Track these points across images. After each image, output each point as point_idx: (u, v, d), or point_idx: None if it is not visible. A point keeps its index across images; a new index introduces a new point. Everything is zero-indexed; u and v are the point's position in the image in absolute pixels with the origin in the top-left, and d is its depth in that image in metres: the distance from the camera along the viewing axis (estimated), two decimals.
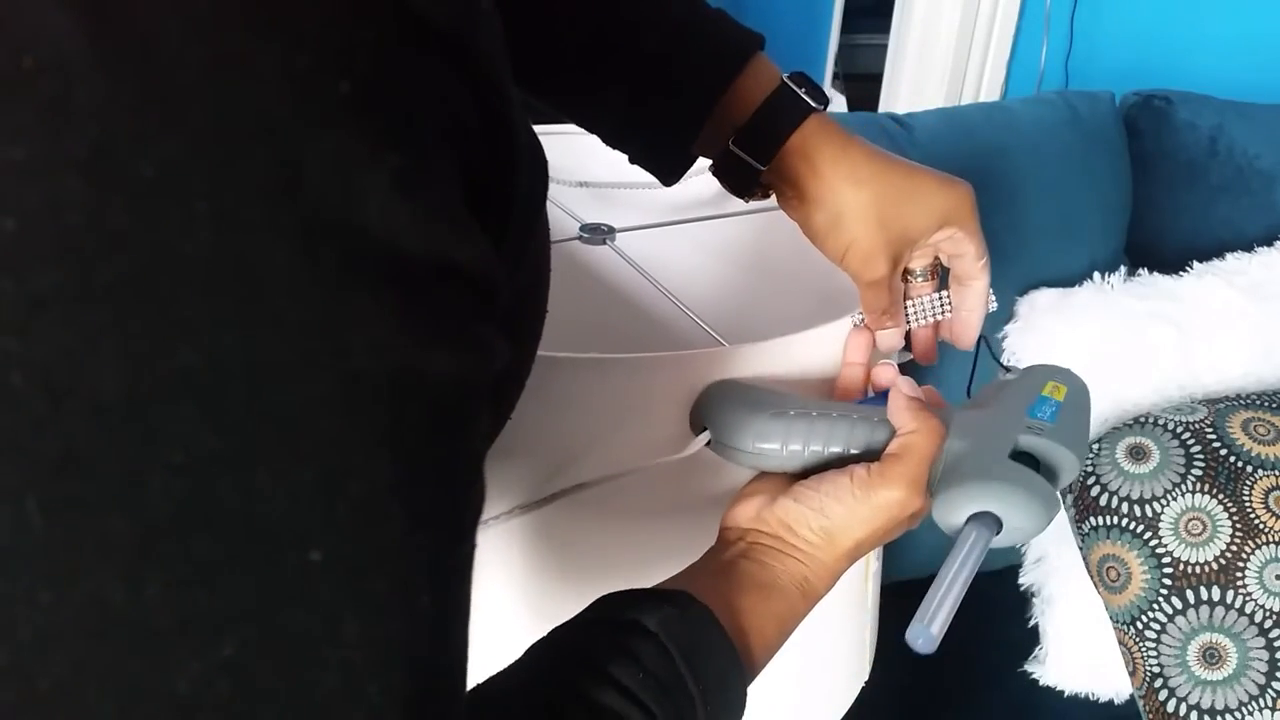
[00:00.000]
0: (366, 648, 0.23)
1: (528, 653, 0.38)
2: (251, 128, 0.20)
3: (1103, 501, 0.91)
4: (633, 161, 0.54)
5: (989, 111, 1.05)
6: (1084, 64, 1.68)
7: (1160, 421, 0.93)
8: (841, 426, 0.48)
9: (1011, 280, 1.02)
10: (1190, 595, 0.87)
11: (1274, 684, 0.84)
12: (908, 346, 0.59)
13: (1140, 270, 1.04)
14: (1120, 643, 0.92)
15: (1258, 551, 0.86)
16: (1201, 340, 0.98)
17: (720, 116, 0.50)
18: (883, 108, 1.89)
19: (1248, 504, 0.87)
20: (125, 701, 0.21)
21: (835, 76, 2.63)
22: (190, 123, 0.20)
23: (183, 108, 0.20)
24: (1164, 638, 0.88)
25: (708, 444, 0.50)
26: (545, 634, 0.39)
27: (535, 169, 0.32)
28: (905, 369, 0.54)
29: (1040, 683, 1.03)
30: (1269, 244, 1.06)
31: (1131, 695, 0.96)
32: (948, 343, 0.59)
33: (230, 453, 0.21)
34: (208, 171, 0.20)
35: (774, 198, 0.54)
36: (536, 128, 0.33)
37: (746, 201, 0.55)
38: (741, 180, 0.52)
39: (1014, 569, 1.07)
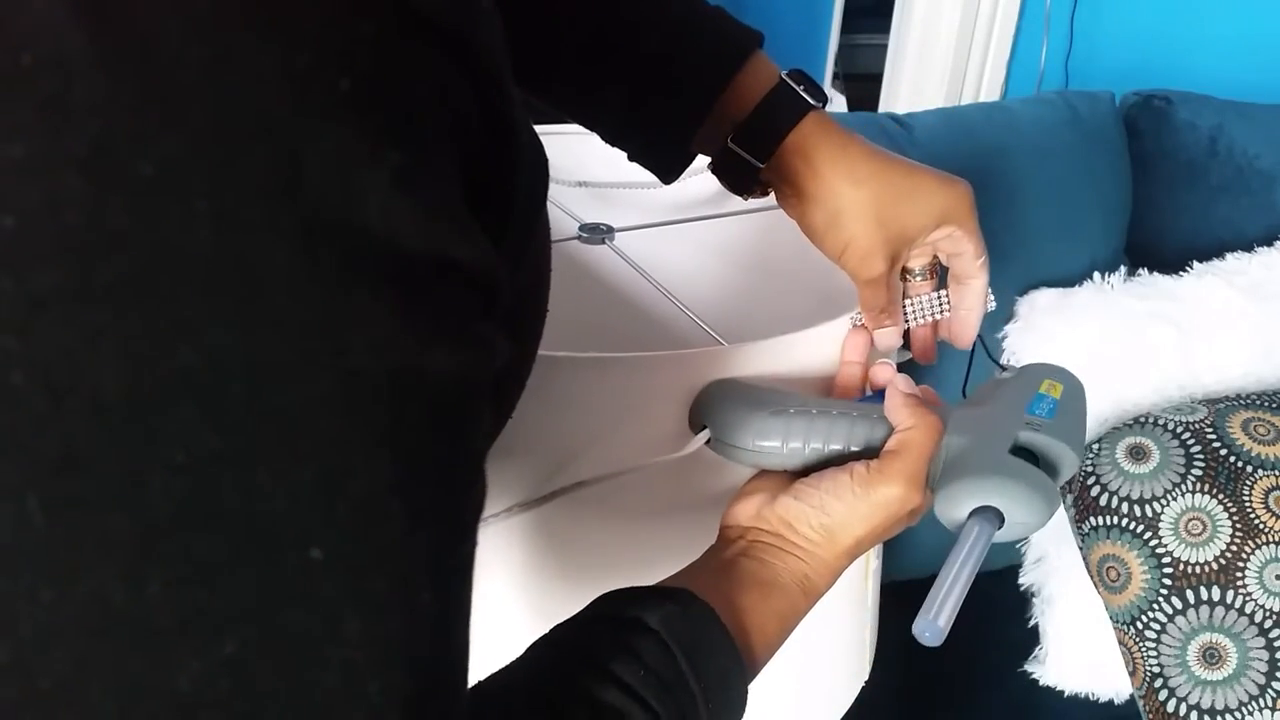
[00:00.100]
0: (367, 646, 0.23)
1: (529, 650, 0.38)
2: (251, 126, 0.20)
3: (1103, 501, 0.91)
4: (632, 159, 0.54)
5: (989, 111, 1.05)
6: (1084, 64, 1.68)
7: (1160, 421, 0.93)
8: (841, 424, 0.48)
9: (1011, 280, 1.02)
10: (1190, 595, 0.87)
11: (1274, 684, 0.84)
12: (906, 345, 0.59)
13: (1140, 270, 1.04)
14: (1120, 643, 0.92)
15: (1258, 551, 0.86)
16: (1201, 340, 0.98)
17: (719, 114, 0.50)
18: (883, 108, 1.89)
19: (1248, 504, 0.87)
20: (126, 700, 0.21)
21: (835, 76, 2.63)
22: (190, 121, 0.20)
23: (182, 106, 0.20)
24: (1164, 638, 0.88)
25: (707, 442, 0.50)
26: (546, 632, 0.39)
27: (536, 167, 0.32)
28: (904, 369, 0.54)
29: (1040, 683, 1.03)
30: (1269, 244, 1.06)
31: (1131, 695, 0.96)
32: (946, 342, 0.59)
33: (231, 452, 0.21)
34: (208, 170, 0.20)
35: (773, 196, 0.54)
36: (536, 128, 0.33)
37: (745, 200, 0.55)
38: (740, 178, 0.52)
39: (1014, 569, 1.07)
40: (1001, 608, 1.07)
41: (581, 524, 0.55)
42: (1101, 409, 0.97)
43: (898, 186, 0.51)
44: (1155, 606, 0.88)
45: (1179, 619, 0.87)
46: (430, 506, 0.25)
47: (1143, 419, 0.94)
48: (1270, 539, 0.86)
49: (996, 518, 0.45)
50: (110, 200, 0.19)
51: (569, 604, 0.40)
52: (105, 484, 0.20)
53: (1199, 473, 0.89)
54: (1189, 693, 0.87)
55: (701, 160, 0.54)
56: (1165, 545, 0.88)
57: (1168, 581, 0.88)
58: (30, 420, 0.20)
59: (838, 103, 2.45)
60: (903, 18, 1.79)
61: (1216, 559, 0.86)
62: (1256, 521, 0.86)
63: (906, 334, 0.58)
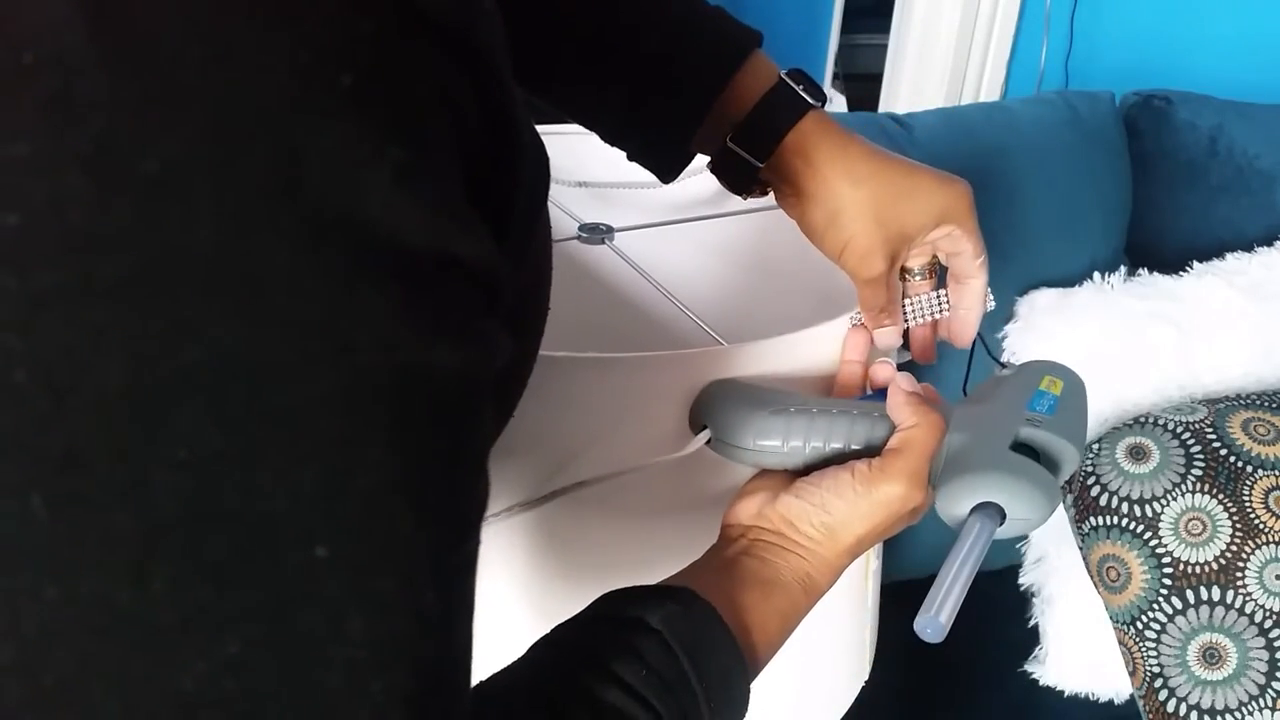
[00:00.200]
0: (371, 646, 0.23)
1: (530, 650, 0.38)
2: (253, 123, 0.20)
3: (1103, 501, 0.91)
4: (631, 159, 0.54)
5: (989, 111, 1.05)
6: (1084, 64, 1.68)
7: (1160, 421, 0.93)
8: (842, 422, 0.48)
9: (1011, 280, 1.02)
10: (1190, 595, 0.87)
11: (1274, 684, 0.84)
12: (906, 345, 0.59)
13: (1140, 270, 1.04)
14: (1120, 643, 0.92)
15: (1258, 551, 0.86)
16: (1201, 340, 0.98)
17: (718, 113, 0.50)
18: (883, 108, 1.89)
19: (1248, 504, 0.87)
20: (130, 699, 0.21)
21: (835, 76, 2.63)
22: (192, 119, 0.20)
23: (184, 104, 0.20)
24: (1164, 638, 0.88)
25: (708, 442, 0.50)
26: (548, 631, 0.39)
27: (537, 166, 0.32)
28: (903, 368, 0.54)
29: (1040, 683, 1.03)
30: (1269, 244, 1.06)
31: (1131, 695, 0.96)
32: (945, 341, 0.59)
33: (234, 450, 0.21)
34: (210, 168, 0.20)
35: (772, 196, 0.54)
36: (536, 128, 0.33)
37: (745, 199, 0.55)
38: (739, 177, 0.52)
39: (1014, 569, 1.07)
40: (1001, 608, 1.07)
41: (582, 524, 0.55)
42: (1101, 409, 0.97)
43: (897, 186, 0.51)
44: (1155, 606, 0.88)
45: (1179, 619, 0.87)
46: (434, 505, 0.25)
47: (1143, 419, 0.94)
48: (1270, 539, 0.86)
49: (998, 514, 0.45)
50: (113, 198, 0.19)
51: (570, 604, 0.40)
52: (108, 482, 0.20)
53: (1199, 473, 0.89)
54: (1189, 693, 0.87)
55: (701, 160, 0.54)
56: (1165, 545, 0.88)
57: (1168, 581, 0.88)
58: (33, 418, 0.20)
59: (838, 103, 2.45)
60: (903, 18, 1.79)
61: (1216, 559, 0.86)
62: (1256, 521, 0.86)
63: (906, 334, 0.58)
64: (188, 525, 0.21)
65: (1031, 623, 1.05)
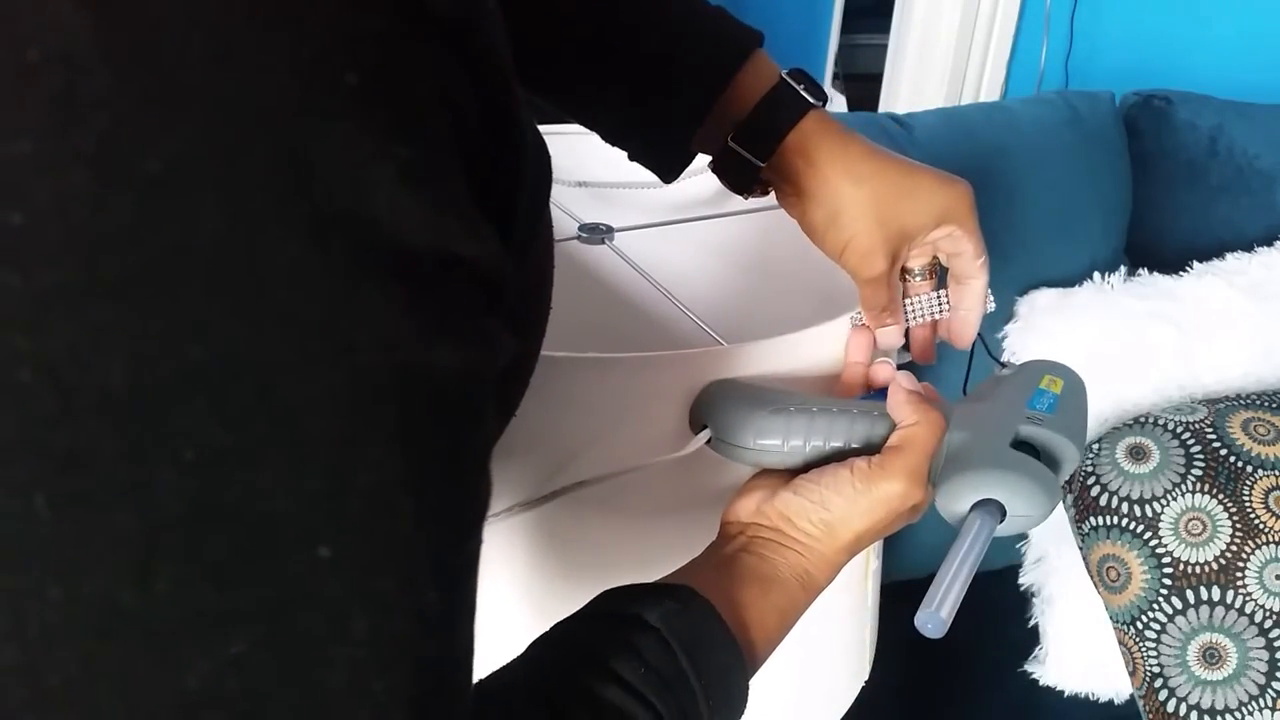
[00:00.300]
0: (374, 645, 0.23)
1: (530, 648, 0.38)
2: (258, 121, 0.20)
3: (1103, 501, 0.91)
4: (632, 159, 0.54)
5: (989, 111, 1.05)
6: (1084, 64, 1.68)
7: (1160, 421, 0.93)
8: (842, 421, 0.48)
9: (1011, 280, 1.02)
10: (1190, 595, 0.87)
11: (1274, 684, 0.84)
12: (906, 346, 0.59)
13: (1140, 270, 1.04)
14: (1120, 643, 0.92)
15: (1258, 551, 0.86)
16: (1201, 340, 0.98)
17: (719, 113, 0.50)
18: (883, 108, 1.89)
19: (1248, 504, 0.87)
20: (133, 699, 0.21)
21: (835, 76, 2.63)
22: (196, 117, 0.20)
23: (189, 102, 0.20)
24: (1164, 638, 0.88)
25: (708, 442, 0.50)
26: (546, 630, 0.39)
27: (539, 166, 0.32)
28: (903, 369, 0.54)
29: (1040, 683, 1.03)
30: (1269, 244, 1.06)
31: (1131, 695, 0.96)
32: (945, 342, 0.59)
33: (238, 449, 0.21)
34: (215, 166, 0.20)
35: (773, 196, 0.54)
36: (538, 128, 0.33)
37: (746, 199, 0.55)
38: (740, 177, 0.52)
39: (1014, 569, 1.07)
40: (1001, 608, 1.07)
41: (582, 524, 0.55)
42: (1101, 409, 0.97)
43: (898, 185, 0.51)
44: (1155, 606, 0.88)
45: (1179, 619, 0.87)
46: (436, 504, 0.25)
47: (1143, 419, 0.94)
48: (1270, 539, 0.86)
49: (998, 511, 0.45)
50: (117, 197, 0.19)
51: (570, 603, 0.40)
52: (112, 482, 0.20)
53: (1199, 473, 0.89)
54: (1189, 693, 0.87)
55: (701, 160, 0.54)
56: (1165, 545, 0.88)
57: (1168, 581, 0.88)
58: (38, 418, 0.20)
59: (838, 103, 2.45)
60: (903, 18, 1.79)
61: (1216, 559, 0.86)
62: (1256, 521, 0.86)
63: (906, 334, 0.58)
64: (191, 525, 0.21)
65: (1031, 623, 1.05)
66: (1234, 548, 0.86)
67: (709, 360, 0.51)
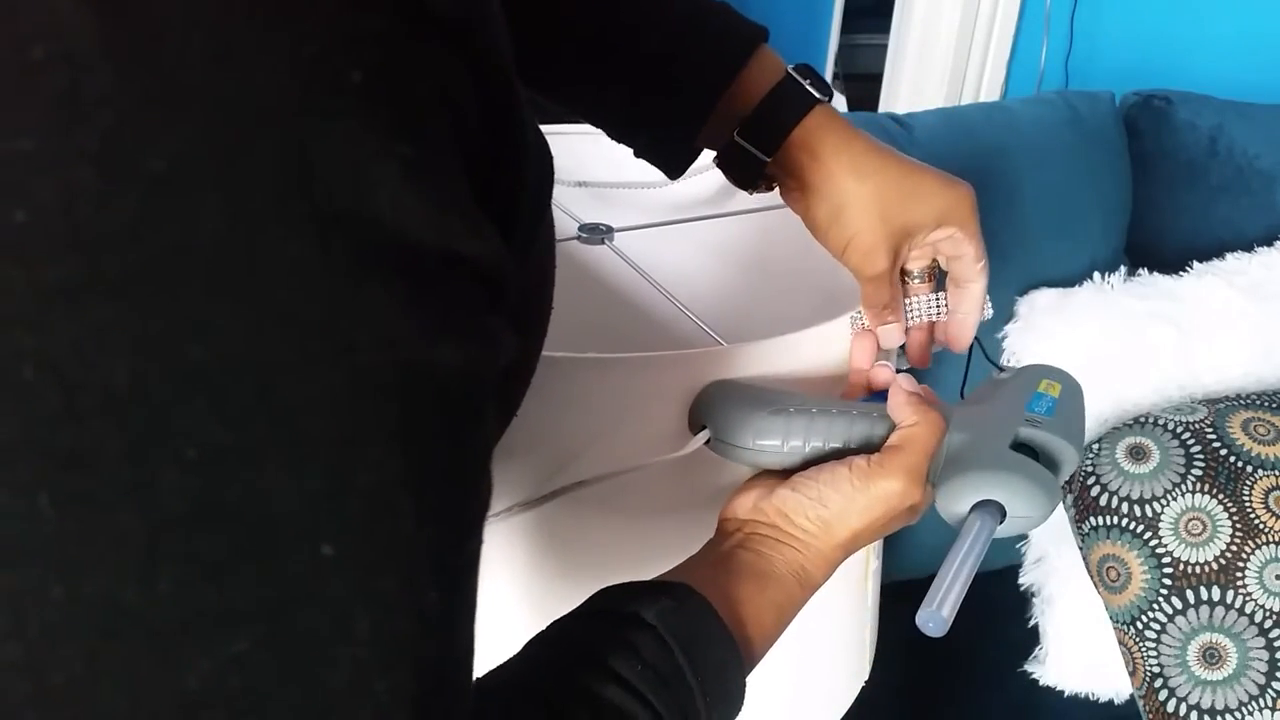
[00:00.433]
0: (375, 645, 0.23)
1: (527, 646, 0.38)
2: (259, 121, 0.20)
3: (1103, 501, 0.91)
4: (638, 156, 0.54)
5: (989, 111, 1.05)
6: (1084, 64, 1.68)
7: (1160, 421, 0.93)
8: (841, 422, 0.49)
9: (1011, 280, 1.02)
10: (1190, 595, 0.87)
11: (1274, 684, 0.84)
12: (902, 349, 0.59)
13: (1140, 270, 1.04)
14: (1120, 643, 0.92)
15: (1258, 551, 0.86)
16: (1201, 340, 0.98)
17: (725, 109, 0.51)
18: (883, 108, 1.89)
19: (1248, 504, 0.87)
20: (135, 697, 0.21)
21: (835, 76, 2.63)
22: (198, 116, 0.20)
23: (190, 101, 0.20)
24: (1164, 638, 0.88)
25: (707, 442, 0.50)
26: (544, 628, 0.39)
27: (541, 166, 0.32)
28: (901, 373, 0.54)
29: (1040, 683, 1.03)
30: (1269, 244, 1.06)
31: (1131, 695, 0.96)
32: (943, 348, 0.59)
33: (240, 447, 0.21)
34: (217, 164, 0.20)
35: (772, 197, 0.54)
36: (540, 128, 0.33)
37: (750, 194, 0.55)
38: (746, 172, 0.52)
39: (1014, 569, 1.07)
40: (1001, 608, 1.07)
41: (582, 523, 0.55)
42: (1101, 409, 0.97)
43: (901, 182, 0.51)
44: (1155, 606, 0.88)
45: (1179, 619, 0.87)
46: (438, 503, 0.25)
47: (1143, 419, 0.94)
48: (1270, 539, 0.86)
49: (998, 511, 0.45)
50: (121, 195, 0.19)
51: (570, 603, 0.40)
52: (114, 481, 0.20)
53: (1199, 473, 0.89)
54: (1189, 693, 0.87)
55: (702, 160, 0.54)
56: (1165, 545, 0.88)
57: (1168, 581, 0.88)
58: (41, 416, 0.20)
59: (838, 103, 2.44)
60: (903, 18, 1.79)
61: (1216, 559, 0.86)
62: (1256, 521, 0.86)
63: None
64: (192, 524, 0.21)
65: (1031, 623, 1.05)
66: (1234, 548, 0.86)
67: (709, 360, 0.51)
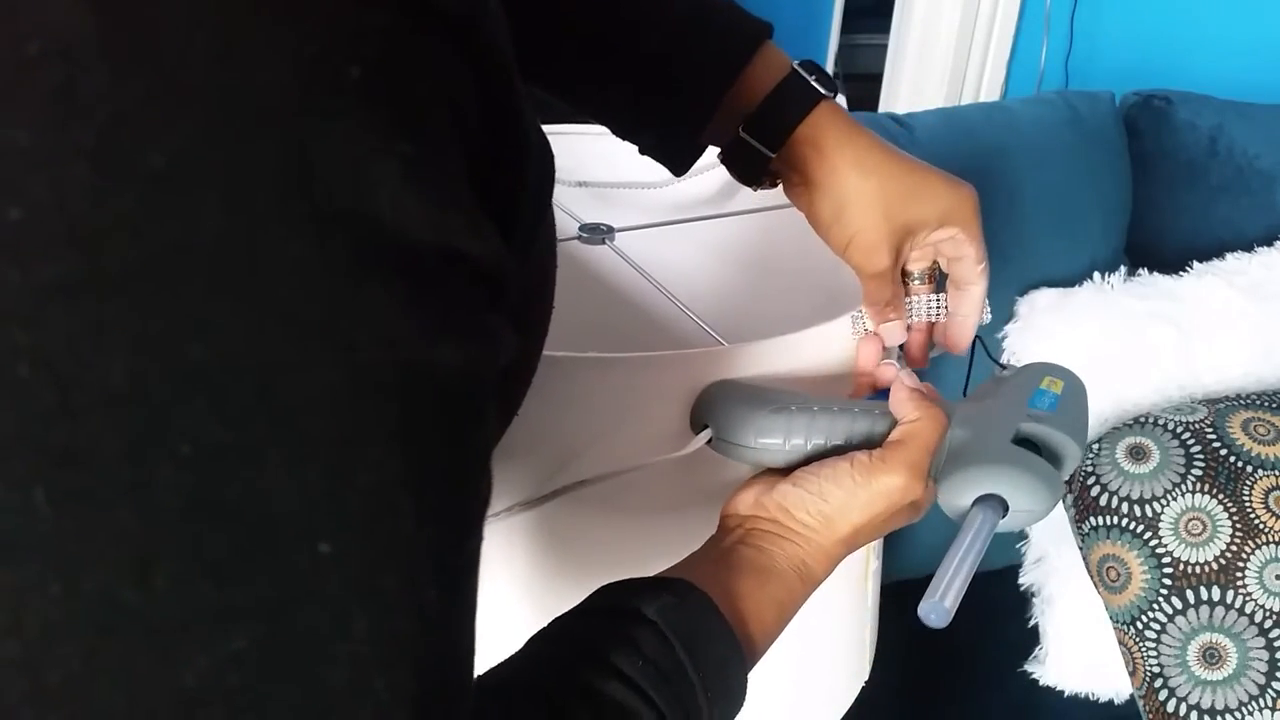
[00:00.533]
0: (375, 644, 0.23)
1: (528, 643, 0.38)
2: (259, 119, 0.20)
3: (1103, 501, 0.91)
4: (643, 153, 0.54)
5: (989, 111, 1.05)
6: (1084, 64, 1.68)
7: (1160, 421, 0.93)
8: (843, 420, 0.49)
9: (1011, 280, 1.02)
10: (1190, 595, 0.87)
11: (1274, 684, 0.84)
12: (902, 351, 0.59)
13: (1140, 270, 1.04)
14: (1120, 643, 0.92)
15: (1258, 551, 0.86)
16: (1201, 340, 0.98)
17: (730, 105, 0.51)
18: (883, 108, 1.89)
19: (1248, 504, 0.87)
20: (133, 695, 0.21)
21: (835, 76, 2.62)
22: (198, 114, 0.20)
23: (190, 97, 0.20)
24: (1164, 638, 0.88)
25: (709, 442, 0.50)
26: (545, 625, 0.39)
27: (543, 166, 0.32)
28: None
29: (1040, 683, 1.03)
30: (1269, 244, 1.06)
31: (1131, 695, 0.96)
32: (942, 349, 0.59)
33: (239, 446, 0.21)
34: (217, 161, 0.20)
35: (773, 197, 0.54)
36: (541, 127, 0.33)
37: (755, 190, 0.55)
38: (750, 168, 0.52)
39: (1014, 569, 1.07)
40: (1001, 608, 1.07)
41: (583, 523, 0.55)
42: (1101, 409, 0.97)
43: (905, 180, 0.51)
44: (1155, 606, 0.88)
45: (1179, 619, 0.87)
46: (438, 502, 0.25)
47: (1143, 419, 0.94)
48: (1270, 539, 0.86)
49: (1000, 506, 0.45)
50: (118, 191, 0.19)
51: (570, 603, 0.40)
52: (112, 478, 0.20)
53: (1199, 473, 0.89)
54: (1189, 693, 0.87)
55: (702, 160, 0.54)
56: (1165, 545, 0.88)
57: (1168, 581, 0.88)
58: (37, 412, 0.19)
59: (838, 102, 2.44)
60: (903, 18, 1.79)
61: (1216, 559, 0.86)
62: (1256, 521, 0.86)
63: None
64: (191, 522, 0.21)
65: (1031, 623, 1.05)
66: (1234, 548, 0.86)
67: (709, 360, 0.51)
